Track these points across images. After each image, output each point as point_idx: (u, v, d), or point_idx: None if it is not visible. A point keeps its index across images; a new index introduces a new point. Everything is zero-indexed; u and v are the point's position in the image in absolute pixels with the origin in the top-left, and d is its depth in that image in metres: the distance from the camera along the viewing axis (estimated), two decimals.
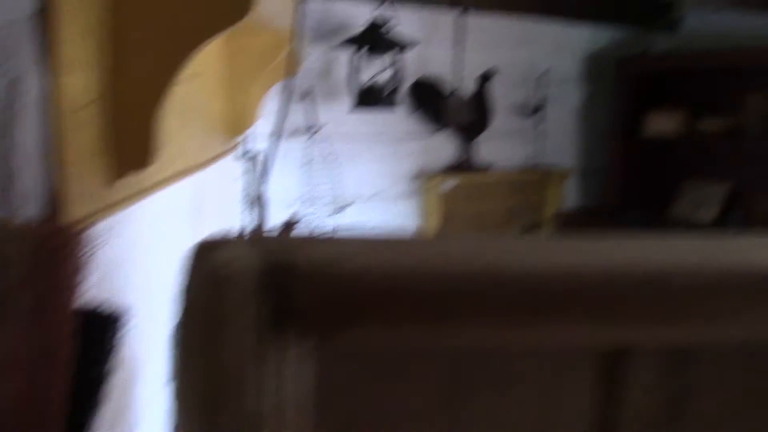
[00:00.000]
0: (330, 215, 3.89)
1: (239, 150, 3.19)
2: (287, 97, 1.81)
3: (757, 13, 3.94)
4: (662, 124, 4.30)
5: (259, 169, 3.60)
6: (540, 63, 4.45)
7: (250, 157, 2.67)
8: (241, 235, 0.42)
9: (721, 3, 3.77)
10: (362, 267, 0.37)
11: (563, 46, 4.57)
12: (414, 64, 4.04)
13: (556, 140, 4.59)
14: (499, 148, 4.41)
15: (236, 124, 2.31)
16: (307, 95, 3.76)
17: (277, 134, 1.89)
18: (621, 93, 4.45)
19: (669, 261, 0.34)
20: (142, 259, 1.34)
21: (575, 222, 4.58)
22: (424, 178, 4.16)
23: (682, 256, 0.35)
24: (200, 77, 1.70)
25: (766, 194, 4.08)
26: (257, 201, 3.61)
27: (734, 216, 3.85)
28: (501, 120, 4.38)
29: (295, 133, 3.80)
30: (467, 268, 0.35)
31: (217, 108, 2.05)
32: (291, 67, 1.85)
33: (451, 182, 4.26)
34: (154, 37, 1.00)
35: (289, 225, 2.44)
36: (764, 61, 3.86)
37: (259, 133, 3.68)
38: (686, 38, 4.51)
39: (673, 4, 4.55)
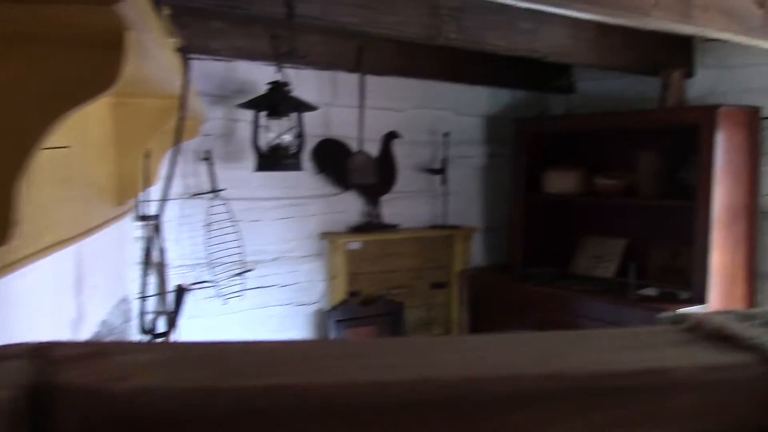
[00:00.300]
0: (234, 277, 3.82)
1: (136, 213, 3.11)
2: (173, 160, 1.77)
3: (645, 78, 4.14)
4: (561, 182, 4.43)
5: (157, 231, 3.51)
6: (442, 124, 4.55)
7: (148, 220, 2.60)
8: (21, 347, 0.39)
9: (611, 68, 3.95)
10: (136, 388, 0.34)
11: (465, 108, 4.68)
12: (318, 126, 4.06)
13: (461, 199, 4.66)
14: (405, 207, 4.45)
15: (128, 187, 2.24)
16: (208, 157, 3.71)
17: (164, 197, 1.84)
18: (520, 153, 4.58)
19: (469, 374, 0.33)
20: (7, 338, 1.27)
21: (481, 280, 4.63)
22: (329, 238, 4.15)
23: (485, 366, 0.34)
24: (82, 143, 1.64)
25: (660, 249, 4.24)
26: (156, 264, 3.51)
27: (632, 270, 3.97)
28: (406, 180, 4.43)
29: (197, 194, 3.74)
30: (253, 384, 0.33)
31: (104, 173, 1.99)
32: (180, 131, 1.82)
33: (356, 242, 4.25)
34: (10, 108, 0.95)
35: (180, 290, 2.37)
36: (653, 122, 4.05)
37: (159, 196, 3.61)
38: (581, 100, 4.70)
39: (569, 69, 4.75)
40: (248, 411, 0.32)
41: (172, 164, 1.79)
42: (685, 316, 0.43)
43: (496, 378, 0.33)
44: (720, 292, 3.72)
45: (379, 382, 0.32)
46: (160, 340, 2.14)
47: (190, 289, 2.48)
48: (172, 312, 2.18)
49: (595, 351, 0.38)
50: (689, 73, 4.14)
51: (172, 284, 3.23)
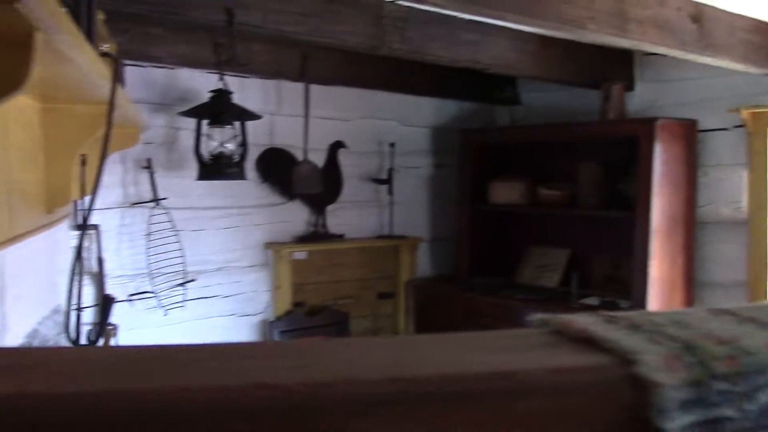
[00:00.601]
0: (175, 287, 3.76)
1: (72, 221, 3.04)
2: (100, 168, 1.73)
3: (587, 90, 4.21)
4: (506, 193, 4.47)
5: (94, 240, 3.44)
6: (389, 134, 4.55)
7: (84, 229, 2.54)
8: None
9: (552, 80, 4.00)
10: (11, 395, 0.31)
11: (411, 118, 4.70)
12: (263, 135, 4.03)
13: (407, 209, 4.67)
14: (351, 217, 4.44)
15: (58, 195, 2.19)
16: (149, 165, 3.66)
17: (91, 206, 1.80)
18: (466, 163, 4.61)
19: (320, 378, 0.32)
20: None
21: (427, 290, 4.64)
22: (274, 248, 4.11)
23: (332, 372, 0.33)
24: (3, 148, 1.60)
25: (602, 258, 4.30)
26: (94, 274, 3.43)
27: (574, 280, 4.02)
28: (352, 190, 4.42)
29: (138, 203, 3.67)
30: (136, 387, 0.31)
31: (31, 179, 1.93)
32: (108, 138, 1.78)
33: (302, 252, 4.23)
34: None
35: (106, 300, 2.32)
36: (594, 134, 4.12)
37: (98, 204, 3.54)
38: (526, 112, 4.76)
39: (514, 81, 4.80)
40: (134, 415, 0.30)
41: (99, 173, 1.75)
42: (551, 318, 0.43)
43: (336, 383, 0.32)
44: (659, 301, 3.79)
45: (210, 388, 0.31)
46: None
47: (117, 300, 2.42)
48: (98, 322, 2.13)
49: (452, 354, 0.38)
50: (629, 87, 4.23)
51: (111, 294, 3.16)
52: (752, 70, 3.54)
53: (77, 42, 1.18)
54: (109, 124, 1.73)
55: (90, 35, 1.77)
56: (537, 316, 0.44)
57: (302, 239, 4.22)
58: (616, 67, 4.20)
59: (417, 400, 0.33)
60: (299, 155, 4.01)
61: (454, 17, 3.33)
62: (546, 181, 4.40)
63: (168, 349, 0.39)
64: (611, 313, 0.44)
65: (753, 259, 3.83)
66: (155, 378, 0.32)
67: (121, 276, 3.62)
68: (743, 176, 3.86)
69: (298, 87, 3.99)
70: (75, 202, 2.79)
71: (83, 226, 2.49)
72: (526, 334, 0.41)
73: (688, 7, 3.11)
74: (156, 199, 3.67)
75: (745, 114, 3.79)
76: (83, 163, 2.30)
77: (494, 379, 0.34)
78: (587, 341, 0.40)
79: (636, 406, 0.36)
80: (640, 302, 3.74)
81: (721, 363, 0.38)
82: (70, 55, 1.18)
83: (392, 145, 4.51)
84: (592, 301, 3.98)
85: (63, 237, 2.99)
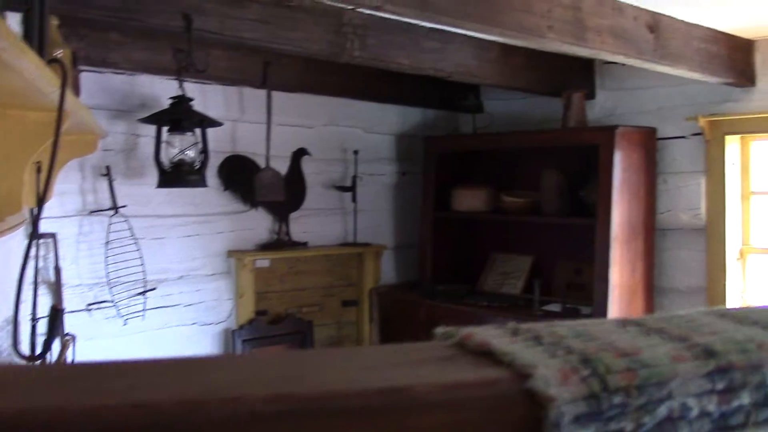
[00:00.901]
0: (135, 296, 3.71)
1: (26, 230, 2.99)
2: (48, 176, 1.71)
3: (549, 98, 4.24)
4: (469, 200, 4.48)
5: (51, 249, 3.38)
6: (353, 141, 4.55)
7: (34, 238, 2.49)
8: None
9: (514, 88, 4.03)
10: None
11: (375, 126, 4.70)
12: (225, 142, 4.00)
13: (371, 217, 4.66)
14: (314, 225, 4.42)
15: (8, 203, 2.15)
16: (108, 173, 3.61)
17: (39, 215, 1.77)
18: (430, 171, 4.62)
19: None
20: None
21: (391, 297, 4.63)
22: (237, 256, 4.08)
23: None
24: None
25: (564, 265, 4.33)
26: (52, 283, 3.38)
27: (537, 287, 4.04)
28: (315, 197, 4.40)
29: (96, 211, 3.62)
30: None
31: None
32: (56, 145, 1.75)
33: (265, 260, 4.20)
34: None
35: (54, 312, 2.28)
36: (556, 142, 4.15)
37: (55, 213, 3.49)
38: (489, 120, 4.77)
39: (477, 89, 4.83)
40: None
41: (48, 181, 1.72)
42: (454, 331, 0.42)
43: (213, 401, 0.31)
44: (620, 307, 3.82)
45: (83, 407, 0.30)
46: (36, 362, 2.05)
47: (65, 311, 2.38)
48: (46, 334, 2.09)
49: (342, 370, 0.37)
50: (590, 95, 4.27)
51: (59, 305, 3.11)
52: (709, 79, 3.59)
53: (17, 48, 1.16)
54: (58, 131, 1.71)
55: (42, 41, 1.74)
56: (441, 329, 0.43)
57: (265, 247, 4.19)
58: (577, 75, 4.24)
59: (299, 419, 0.32)
60: (262, 162, 3.99)
61: (416, 25, 3.34)
62: (509, 189, 4.42)
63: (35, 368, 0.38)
64: (516, 325, 0.44)
65: (711, 265, 3.88)
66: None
67: (80, 285, 3.56)
68: (701, 183, 3.92)
69: (260, 94, 3.97)
70: (31, 211, 2.74)
71: (33, 235, 2.45)
72: (426, 347, 0.40)
73: (645, 16, 3.15)
74: (115, 207, 3.62)
75: (702, 122, 3.84)
76: (39, 170, 2.26)
77: (382, 395, 0.33)
78: (488, 354, 0.39)
79: (530, 421, 0.36)
80: (601, 309, 3.77)
81: (617, 376, 0.38)
82: (10, 62, 1.16)
83: (356, 152, 4.50)
84: (554, 307, 4.00)
85: (17, 246, 2.94)
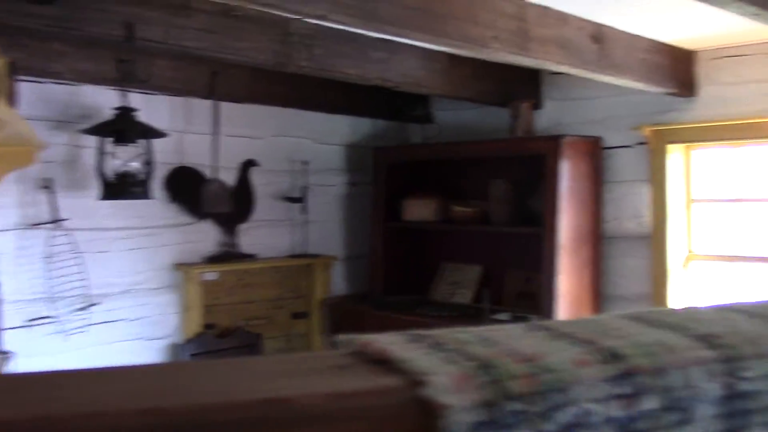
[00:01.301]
0: (77, 311, 3.62)
1: None
2: None
3: (498, 108, 4.27)
4: (419, 210, 4.49)
5: None
6: (302, 152, 4.52)
7: None
8: None
9: (462, 98, 4.05)
10: None
11: (324, 136, 4.68)
12: (171, 153, 3.93)
13: (321, 228, 4.63)
14: (263, 236, 4.37)
15: None
16: (49, 185, 3.52)
17: None
18: (379, 181, 4.61)
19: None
20: None
21: (342, 308, 4.60)
22: (183, 269, 4.01)
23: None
24: None
25: (514, 274, 4.35)
26: None
27: (486, 296, 4.05)
28: (264, 208, 4.36)
29: (36, 225, 3.53)
30: None
31: None
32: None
33: (212, 272, 4.14)
34: None
35: None
36: (504, 151, 4.18)
37: None
38: (439, 130, 4.79)
39: (427, 99, 4.84)
40: None
41: None
42: (353, 339, 0.40)
43: (77, 416, 0.29)
44: (567, 315, 3.85)
45: None
46: None
47: (2, 327, 2.31)
48: None
49: (224, 381, 0.35)
50: (537, 105, 4.31)
51: (6, 320, 3.01)
52: (652, 89, 3.66)
53: None
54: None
55: None
56: (341, 336, 0.41)
57: (213, 259, 4.13)
58: (525, 85, 4.28)
59: None
60: (209, 174, 3.93)
61: (363, 35, 3.34)
62: (458, 199, 4.43)
63: None
64: (420, 332, 0.43)
65: (656, 272, 3.94)
66: None
67: (19, 300, 3.46)
68: (646, 191, 3.98)
69: (208, 104, 3.92)
70: None
71: None
72: (323, 356, 0.38)
73: (589, 27, 3.19)
74: (56, 220, 3.53)
75: (646, 131, 3.91)
76: None
77: (265, 406, 0.32)
78: (386, 363, 0.38)
79: (423, 430, 0.34)
80: (549, 316, 3.80)
81: (517, 382, 0.36)
82: None
83: (306, 163, 4.47)
84: (504, 316, 4.02)
85: None
